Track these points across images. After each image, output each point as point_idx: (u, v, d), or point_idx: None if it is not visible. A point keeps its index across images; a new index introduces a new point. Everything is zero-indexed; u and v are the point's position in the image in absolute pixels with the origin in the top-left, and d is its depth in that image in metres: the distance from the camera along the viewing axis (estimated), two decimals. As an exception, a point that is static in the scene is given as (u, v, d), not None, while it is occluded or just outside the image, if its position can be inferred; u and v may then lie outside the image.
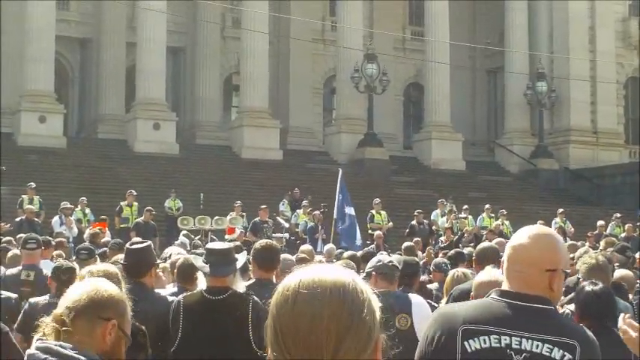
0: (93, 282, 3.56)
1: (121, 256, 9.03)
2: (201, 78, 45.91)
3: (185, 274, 8.06)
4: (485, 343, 3.48)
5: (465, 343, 3.49)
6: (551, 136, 46.08)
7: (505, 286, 3.64)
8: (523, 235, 3.68)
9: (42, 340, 3.34)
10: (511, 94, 46.61)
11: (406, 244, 17.51)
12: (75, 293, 3.44)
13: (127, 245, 7.67)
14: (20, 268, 10.49)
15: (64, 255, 14.01)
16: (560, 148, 45.62)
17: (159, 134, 38.81)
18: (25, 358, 3.32)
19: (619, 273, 8.83)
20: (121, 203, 27.31)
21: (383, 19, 48.40)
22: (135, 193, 27.81)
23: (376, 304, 2.24)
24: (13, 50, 40.15)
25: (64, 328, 3.35)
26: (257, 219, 26.23)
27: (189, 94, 46.47)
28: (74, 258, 11.48)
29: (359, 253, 12.47)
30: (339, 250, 16.70)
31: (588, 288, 6.16)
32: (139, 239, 8.40)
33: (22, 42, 38.30)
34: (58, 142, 36.82)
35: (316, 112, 49.23)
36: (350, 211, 25.02)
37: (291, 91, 47.81)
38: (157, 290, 7.66)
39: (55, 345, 3.29)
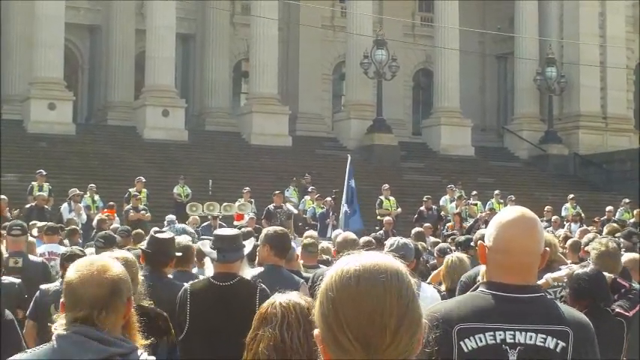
0: (99, 273, 3.42)
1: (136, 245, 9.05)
2: (210, 64, 45.85)
3: (181, 256, 8.03)
4: (481, 341, 3.44)
5: (461, 343, 3.44)
6: (561, 122, 45.93)
7: (491, 277, 3.55)
8: (503, 221, 3.54)
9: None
10: (521, 79, 46.44)
11: (416, 229, 17.52)
12: (94, 290, 3.36)
13: (152, 233, 7.69)
14: (7, 255, 10.14)
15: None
16: (570, 133, 45.48)
17: (168, 121, 38.83)
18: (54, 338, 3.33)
19: (624, 257, 8.90)
20: (130, 190, 27.36)
21: (392, 5, 48.25)
22: (144, 180, 27.87)
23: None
24: (23, 37, 40.16)
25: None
26: (271, 205, 26.18)
27: (199, 81, 46.43)
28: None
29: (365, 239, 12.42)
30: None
31: (579, 271, 6.33)
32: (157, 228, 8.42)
33: (31, 29, 38.32)
34: (67, 129, 36.86)
35: (325, 99, 49.17)
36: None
37: (301, 77, 47.73)
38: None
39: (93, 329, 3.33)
